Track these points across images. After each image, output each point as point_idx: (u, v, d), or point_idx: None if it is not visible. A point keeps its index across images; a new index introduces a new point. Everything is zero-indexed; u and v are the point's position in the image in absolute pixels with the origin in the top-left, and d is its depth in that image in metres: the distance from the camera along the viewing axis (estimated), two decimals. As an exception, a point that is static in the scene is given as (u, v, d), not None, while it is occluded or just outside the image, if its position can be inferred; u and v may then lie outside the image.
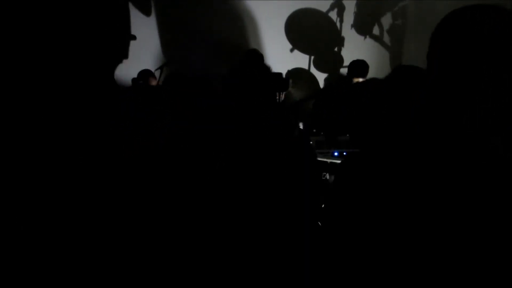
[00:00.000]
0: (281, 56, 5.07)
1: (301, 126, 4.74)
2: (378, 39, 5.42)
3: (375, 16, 5.38)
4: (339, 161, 3.39)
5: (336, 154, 3.35)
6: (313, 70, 5.27)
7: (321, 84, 5.31)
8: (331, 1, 5.18)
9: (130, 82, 4.11)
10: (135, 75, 4.26)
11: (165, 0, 4.59)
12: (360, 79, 3.79)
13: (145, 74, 3.84)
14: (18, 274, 2.32)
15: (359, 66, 3.85)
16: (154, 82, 3.92)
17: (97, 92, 4.15)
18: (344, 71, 5.35)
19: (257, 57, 4.32)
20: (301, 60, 5.21)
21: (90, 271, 2.44)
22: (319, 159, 3.54)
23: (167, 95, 3.72)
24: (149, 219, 2.83)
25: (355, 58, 5.31)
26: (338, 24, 5.28)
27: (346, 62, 5.32)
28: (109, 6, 4.22)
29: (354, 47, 5.27)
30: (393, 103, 2.27)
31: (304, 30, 5.15)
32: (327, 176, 4.19)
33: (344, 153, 3.33)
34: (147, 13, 4.46)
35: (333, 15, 5.24)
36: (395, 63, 5.48)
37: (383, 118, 2.30)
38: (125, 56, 4.44)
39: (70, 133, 3.55)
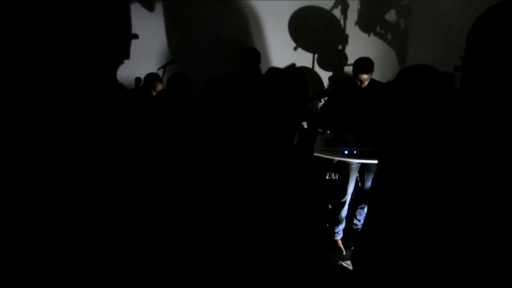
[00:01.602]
0: (284, 55, 5.02)
1: (305, 125, 4.70)
2: (382, 36, 5.37)
3: (379, 14, 5.34)
4: (347, 159, 3.33)
5: (346, 152, 3.29)
6: (317, 69, 5.22)
7: (325, 83, 5.26)
8: (335, -1, 5.14)
9: (133, 82, 4.04)
10: (138, 74, 4.20)
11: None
12: (365, 75, 3.72)
13: (151, 78, 3.75)
14: (18, 273, 2.29)
15: (364, 62, 3.77)
16: (160, 87, 3.83)
17: (99, 92, 4.10)
18: (348, 69, 5.30)
19: (255, 56, 4.26)
20: (304, 59, 5.16)
21: (90, 270, 2.44)
22: (327, 157, 3.49)
23: (171, 97, 3.66)
24: (151, 218, 2.80)
25: (359, 56, 5.27)
26: (342, 21, 5.23)
27: (351, 60, 5.27)
28: (110, 5, 4.16)
29: (358, 45, 5.22)
30: (404, 106, 2.21)
31: (307, 28, 5.09)
32: (333, 176, 4.13)
33: (355, 152, 3.27)
34: (150, 11, 4.40)
35: (337, 12, 5.18)
36: (399, 61, 5.44)
37: (395, 121, 2.23)
38: (127, 56, 4.36)
39: (72, 132, 3.50)
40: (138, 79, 3.57)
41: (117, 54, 4.33)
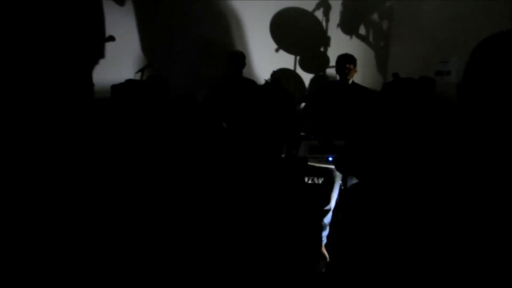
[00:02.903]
0: (266, 57, 4.95)
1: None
2: (364, 39, 5.36)
3: (361, 16, 5.32)
4: (331, 166, 3.30)
5: (330, 159, 3.24)
6: (299, 71, 5.17)
7: (307, 85, 5.22)
8: (317, 1, 5.08)
9: (109, 85, 3.90)
10: (115, 78, 4.05)
11: (146, 0, 4.38)
12: (352, 66, 3.81)
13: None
14: (18, 273, 2.28)
15: (346, 55, 3.92)
16: None
17: (74, 95, 3.96)
18: (330, 71, 5.27)
19: (241, 59, 4.21)
20: (286, 61, 5.09)
21: (90, 270, 2.41)
22: (311, 163, 3.43)
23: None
24: (151, 219, 2.81)
25: (341, 58, 5.25)
26: (324, 23, 5.19)
27: (332, 62, 5.23)
28: (82, 5, 4.00)
29: (340, 47, 5.18)
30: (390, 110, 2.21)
31: (289, 29, 5.03)
32: (316, 180, 4.08)
33: (339, 159, 3.22)
34: (127, 13, 4.24)
35: (319, 14, 5.14)
36: (381, 63, 5.43)
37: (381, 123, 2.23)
38: (101, 55, 4.20)
39: (72, 133, 3.43)
40: (114, 87, 3.43)
41: (90, 55, 4.17)
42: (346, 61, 3.91)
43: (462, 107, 1.16)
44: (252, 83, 4.35)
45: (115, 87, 3.40)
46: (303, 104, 4.58)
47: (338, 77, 4.07)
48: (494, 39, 1.09)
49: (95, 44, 4.10)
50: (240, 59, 4.20)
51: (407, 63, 4.94)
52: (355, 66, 3.94)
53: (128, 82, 3.47)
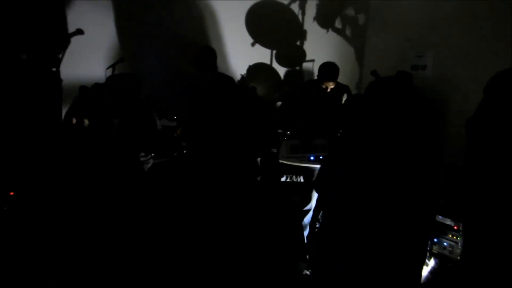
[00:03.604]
0: (241, 51, 4.82)
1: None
2: (340, 32, 5.31)
3: (337, 9, 5.26)
4: (314, 165, 3.25)
5: (312, 158, 3.19)
6: (275, 65, 5.07)
7: (283, 78, 5.14)
8: (293, -7, 4.98)
9: (79, 81, 3.70)
10: (84, 73, 3.85)
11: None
12: (331, 84, 3.58)
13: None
14: (18, 273, 2.30)
15: (329, 71, 3.60)
16: None
17: (40, 91, 3.75)
18: (306, 65, 5.21)
19: (210, 54, 4.05)
20: (262, 55, 4.98)
21: (90, 270, 2.44)
22: (293, 163, 3.37)
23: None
24: (150, 218, 2.80)
25: (317, 52, 5.18)
26: (300, 17, 5.10)
27: (309, 56, 5.18)
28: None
29: (317, 41, 5.13)
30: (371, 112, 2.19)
31: (265, 23, 4.91)
32: (295, 179, 4.03)
33: (321, 157, 3.17)
34: (97, 5, 4.01)
35: (295, 7, 5.04)
36: (357, 56, 5.40)
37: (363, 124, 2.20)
38: (63, 48, 3.94)
39: (72, 133, 3.29)
40: (83, 88, 3.22)
41: (57, 48, 3.92)
42: (326, 79, 3.62)
43: (473, 141, 1.17)
44: (227, 78, 4.23)
45: (84, 89, 3.20)
46: (279, 103, 4.50)
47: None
48: (508, 76, 1.10)
49: (61, 37, 3.86)
50: (211, 54, 4.04)
51: (383, 57, 4.93)
52: (335, 79, 3.68)
53: (97, 85, 3.28)
